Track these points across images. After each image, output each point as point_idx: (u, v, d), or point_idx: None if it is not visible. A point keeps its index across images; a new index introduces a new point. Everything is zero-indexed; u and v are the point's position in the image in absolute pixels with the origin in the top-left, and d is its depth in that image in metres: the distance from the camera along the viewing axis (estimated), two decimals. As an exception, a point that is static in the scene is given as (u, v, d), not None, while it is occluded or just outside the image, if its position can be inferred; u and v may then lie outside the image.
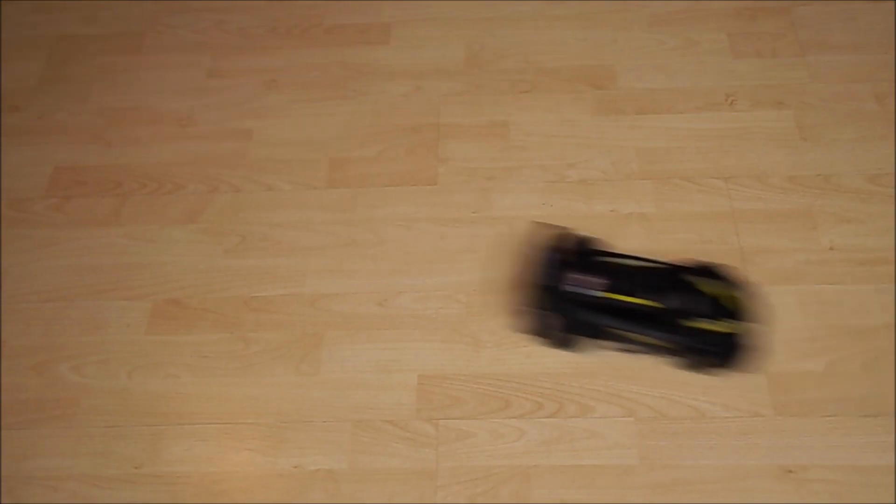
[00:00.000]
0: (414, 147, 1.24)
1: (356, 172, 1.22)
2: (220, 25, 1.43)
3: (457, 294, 1.09)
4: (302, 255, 1.15)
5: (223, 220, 1.19)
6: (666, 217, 1.14)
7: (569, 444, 0.97)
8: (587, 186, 1.18)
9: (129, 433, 1.02)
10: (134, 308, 1.12)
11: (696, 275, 0.98)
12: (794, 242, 1.10)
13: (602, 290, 0.95)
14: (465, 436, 0.98)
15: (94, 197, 1.23)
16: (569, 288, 0.96)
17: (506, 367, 1.03)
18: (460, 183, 1.20)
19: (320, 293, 1.11)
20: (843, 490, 0.92)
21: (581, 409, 0.99)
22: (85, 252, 1.18)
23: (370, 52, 1.37)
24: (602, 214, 1.15)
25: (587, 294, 0.95)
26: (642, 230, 1.13)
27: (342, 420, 1.01)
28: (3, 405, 1.05)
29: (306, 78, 1.34)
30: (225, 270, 1.14)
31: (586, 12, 1.38)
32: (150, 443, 1.01)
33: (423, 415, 1.00)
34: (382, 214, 1.18)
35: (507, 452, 0.97)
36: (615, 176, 1.18)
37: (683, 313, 0.94)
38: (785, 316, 1.04)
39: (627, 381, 1.01)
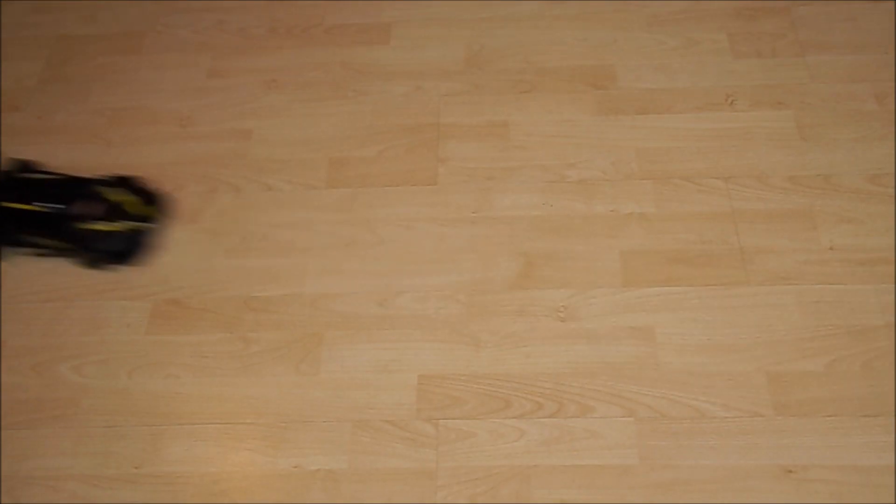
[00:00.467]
0: (414, 147, 1.24)
1: (356, 172, 1.22)
2: (220, 25, 1.43)
3: (457, 294, 1.09)
4: (302, 255, 1.15)
5: (223, 220, 1.19)
6: (666, 217, 1.14)
7: (569, 444, 0.97)
8: (587, 186, 1.18)
9: (129, 433, 1.02)
10: (134, 308, 1.12)
11: (106, 185, 1.11)
12: (794, 242, 1.10)
13: None
14: (465, 436, 0.98)
15: (94, 197, 1.23)
16: None
17: (506, 367, 1.03)
18: (460, 183, 1.20)
19: (320, 293, 1.11)
20: (843, 490, 0.92)
21: (581, 409, 0.99)
22: (85, 252, 1.18)
23: (370, 52, 1.37)
24: (602, 214, 1.15)
25: None
26: (642, 230, 1.13)
27: (342, 420, 1.01)
28: (3, 405, 1.05)
29: (306, 78, 1.34)
30: (225, 270, 1.14)
31: (586, 12, 1.38)
32: (150, 443, 1.01)
33: (423, 415, 1.00)
34: (382, 214, 1.18)
35: (507, 452, 0.97)
36: (615, 176, 1.18)
37: (78, 217, 1.06)
38: (785, 316, 1.04)
39: (627, 381, 1.01)
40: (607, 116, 1.25)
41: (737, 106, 1.24)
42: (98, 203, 1.08)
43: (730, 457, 0.95)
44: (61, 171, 1.15)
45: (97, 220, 1.06)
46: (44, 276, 1.16)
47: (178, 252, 1.16)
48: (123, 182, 1.12)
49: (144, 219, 1.10)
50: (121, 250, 1.10)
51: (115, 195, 1.10)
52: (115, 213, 1.09)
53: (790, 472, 0.93)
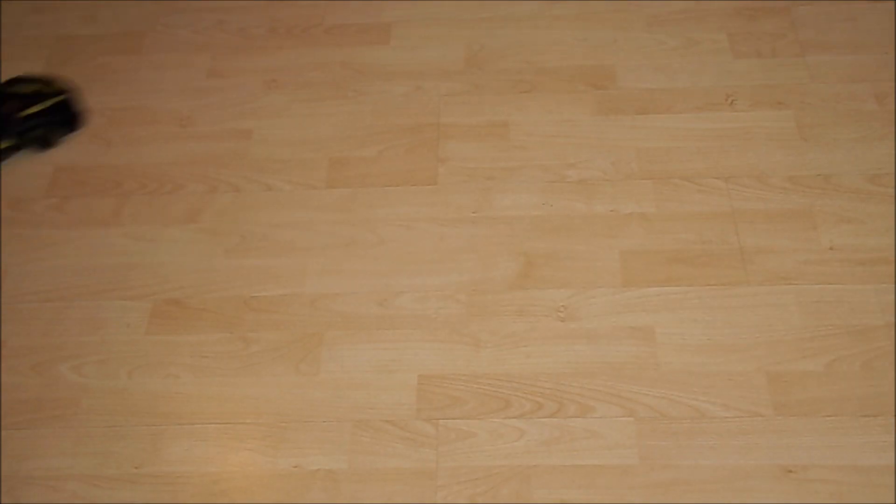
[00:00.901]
0: (414, 147, 1.24)
1: (356, 172, 1.22)
2: (220, 25, 1.43)
3: (457, 294, 1.09)
4: (302, 255, 1.15)
5: (223, 220, 1.19)
6: (666, 217, 1.14)
7: (569, 444, 0.97)
8: (587, 186, 1.18)
9: (129, 433, 1.02)
10: (134, 308, 1.12)
11: (8, 86, 1.26)
12: (794, 242, 1.10)
13: None
14: (465, 436, 0.98)
15: (94, 197, 1.23)
16: None
17: (506, 367, 1.03)
18: (460, 183, 1.20)
19: (320, 293, 1.11)
20: (843, 490, 0.92)
21: (581, 409, 0.99)
22: (85, 252, 1.18)
23: (370, 52, 1.37)
24: (602, 214, 1.15)
25: None
26: (642, 230, 1.13)
27: (342, 420, 1.01)
28: (3, 405, 1.05)
29: (306, 78, 1.34)
30: (225, 270, 1.14)
31: (586, 12, 1.38)
32: (150, 443, 1.01)
33: (423, 415, 1.00)
34: (382, 214, 1.18)
35: (507, 452, 0.97)
36: (615, 176, 1.18)
37: (12, 110, 1.22)
38: (785, 316, 1.04)
39: (627, 381, 1.01)
40: (607, 116, 1.25)
41: (737, 106, 1.24)
42: (18, 97, 1.24)
43: (730, 457, 0.95)
44: None
45: (27, 107, 1.21)
46: (44, 276, 1.16)
47: (178, 252, 1.16)
48: (19, 80, 1.28)
49: (60, 92, 1.27)
50: (65, 118, 1.27)
51: (24, 88, 1.26)
52: (37, 97, 1.25)
53: (790, 472, 0.93)
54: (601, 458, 0.96)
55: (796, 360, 1.01)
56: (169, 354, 1.07)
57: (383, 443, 0.99)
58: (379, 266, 1.13)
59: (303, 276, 1.13)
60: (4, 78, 1.33)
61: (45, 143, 1.26)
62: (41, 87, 1.26)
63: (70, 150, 1.29)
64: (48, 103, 1.24)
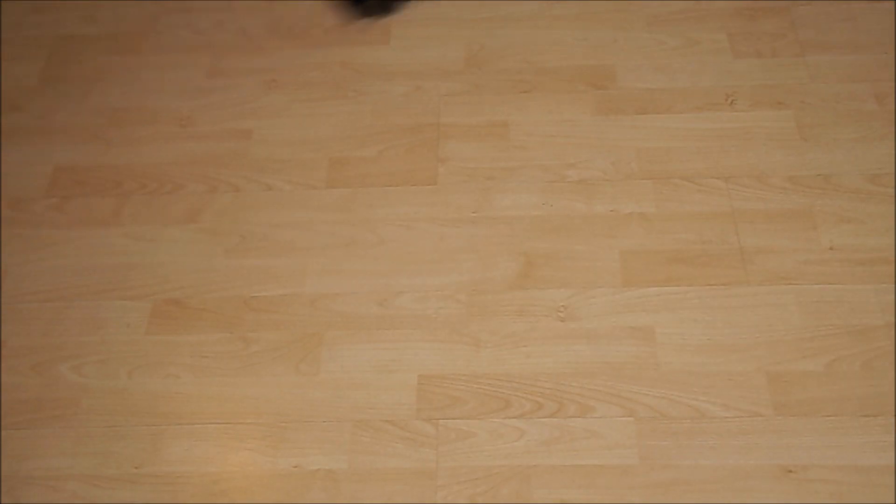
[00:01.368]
0: (414, 147, 1.24)
1: (356, 172, 1.22)
2: (220, 25, 1.43)
3: (457, 294, 1.09)
4: (302, 255, 1.15)
5: (223, 220, 1.19)
6: (666, 217, 1.14)
7: (569, 444, 0.97)
8: (587, 186, 1.18)
9: (129, 433, 1.02)
10: (134, 308, 1.12)
11: None
12: (794, 242, 1.10)
13: None
14: (465, 436, 0.98)
15: (94, 197, 1.23)
16: None
17: (506, 367, 1.03)
18: (460, 183, 1.20)
19: (320, 293, 1.11)
20: (843, 490, 0.92)
21: (581, 409, 0.99)
22: (85, 252, 1.18)
23: (370, 52, 1.37)
24: (602, 214, 1.15)
25: None
26: (642, 230, 1.13)
27: (342, 420, 1.01)
28: (3, 405, 1.05)
29: (306, 78, 1.34)
30: (225, 270, 1.14)
31: (586, 12, 1.38)
32: (150, 443, 1.01)
33: (423, 415, 1.00)
34: (382, 214, 1.18)
35: (507, 452, 0.97)
36: (615, 176, 1.18)
37: None
38: (785, 316, 1.04)
39: (627, 381, 1.01)
40: (607, 116, 1.25)
41: (737, 106, 1.24)
42: None
43: (730, 457, 0.95)
44: None
45: None
46: (44, 276, 1.16)
47: (178, 252, 1.16)
48: None
49: None
50: None
51: None
52: None
53: (790, 472, 0.93)
54: (601, 458, 0.96)
55: (796, 360, 1.01)
56: (169, 354, 1.07)
57: (383, 443, 0.99)
58: (379, 266, 1.13)
59: (303, 276, 1.13)
60: (4, 78, 1.33)
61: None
62: None
63: (70, 150, 1.29)
64: None
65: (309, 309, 1.10)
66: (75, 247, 1.18)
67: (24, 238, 1.20)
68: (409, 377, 1.03)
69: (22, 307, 1.13)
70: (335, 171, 1.23)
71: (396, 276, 1.12)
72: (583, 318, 1.06)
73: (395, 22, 1.40)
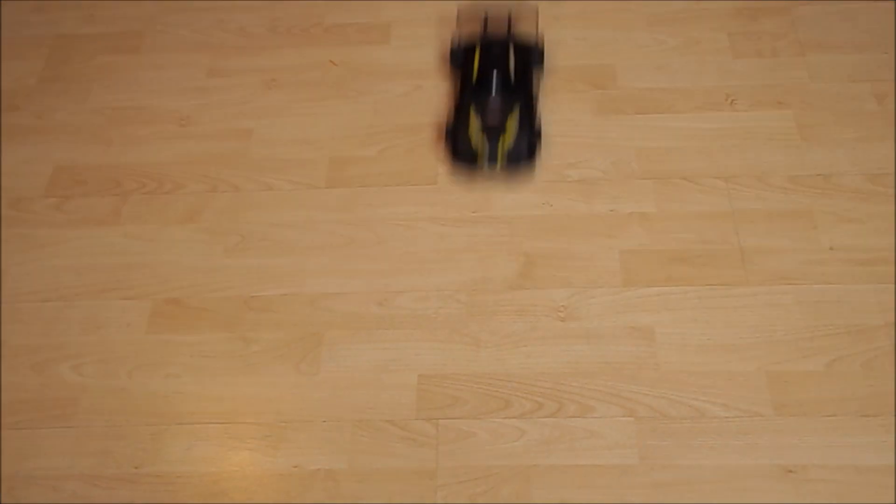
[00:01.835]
0: (414, 147, 1.24)
1: (356, 172, 1.22)
2: (220, 25, 1.43)
3: (457, 294, 1.09)
4: (302, 255, 1.15)
5: (223, 219, 1.19)
6: (666, 217, 1.14)
7: (569, 444, 0.97)
8: (587, 186, 1.18)
9: (129, 433, 1.02)
10: (134, 308, 1.12)
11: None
12: (794, 242, 1.10)
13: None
14: (465, 435, 0.98)
15: (94, 197, 1.23)
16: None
17: (506, 367, 1.03)
18: (460, 183, 1.20)
19: (320, 293, 1.11)
20: (843, 490, 0.92)
21: (581, 409, 0.99)
22: (85, 252, 1.18)
23: (370, 51, 1.37)
24: (602, 214, 1.15)
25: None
26: (642, 230, 1.13)
27: (342, 420, 1.01)
28: (3, 405, 1.05)
29: (306, 78, 1.34)
30: (225, 270, 1.14)
31: (586, 12, 1.38)
32: (150, 443, 1.01)
33: (423, 414, 1.00)
34: (382, 214, 1.18)
35: (507, 452, 0.97)
36: (615, 176, 1.18)
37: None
38: (785, 316, 1.04)
39: (627, 380, 1.01)
40: (607, 116, 1.25)
41: (737, 106, 1.24)
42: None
43: (730, 457, 0.95)
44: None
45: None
46: (44, 276, 1.16)
47: (178, 252, 1.16)
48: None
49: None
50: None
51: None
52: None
53: (790, 472, 0.93)
54: (601, 458, 0.96)
55: (796, 360, 1.01)
56: (169, 354, 1.07)
57: (383, 443, 0.99)
58: (379, 266, 1.13)
59: (303, 275, 1.13)
60: (4, 77, 1.33)
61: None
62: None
63: (70, 150, 1.29)
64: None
65: (309, 309, 1.10)
66: (75, 246, 1.18)
67: (24, 238, 1.20)
68: (409, 377, 1.03)
69: (22, 307, 1.13)
70: (335, 170, 1.23)
71: (396, 276, 1.12)
72: (583, 317, 1.06)
73: (395, 21, 1.40)
